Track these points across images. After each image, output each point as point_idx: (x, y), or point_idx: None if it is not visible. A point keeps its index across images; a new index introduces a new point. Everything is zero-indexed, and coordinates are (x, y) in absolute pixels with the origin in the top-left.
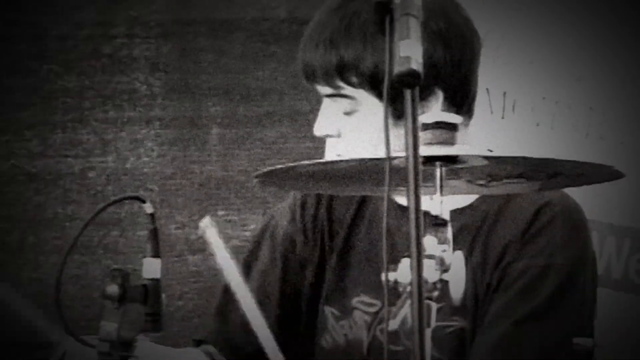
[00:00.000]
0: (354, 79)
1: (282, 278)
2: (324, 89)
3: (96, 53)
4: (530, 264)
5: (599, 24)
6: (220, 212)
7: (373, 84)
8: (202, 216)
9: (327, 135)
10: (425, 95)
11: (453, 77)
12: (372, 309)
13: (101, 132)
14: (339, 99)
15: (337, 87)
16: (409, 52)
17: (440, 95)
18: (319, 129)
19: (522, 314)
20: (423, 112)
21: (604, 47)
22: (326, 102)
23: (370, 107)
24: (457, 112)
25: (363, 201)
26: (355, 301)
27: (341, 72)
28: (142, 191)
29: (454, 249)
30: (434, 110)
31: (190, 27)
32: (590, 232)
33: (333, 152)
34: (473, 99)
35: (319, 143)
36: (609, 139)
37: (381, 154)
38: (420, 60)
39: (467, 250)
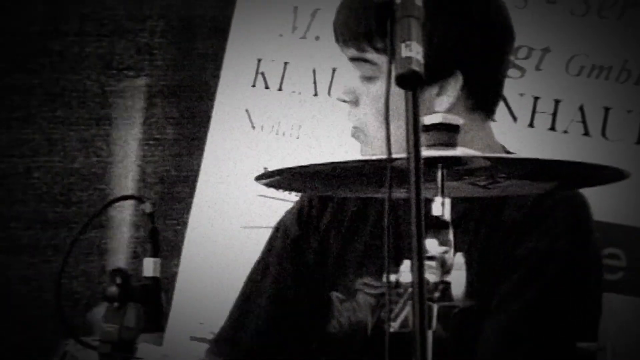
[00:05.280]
0: (379, 44)
1: (293, 279)
2: (350, 51)
3: (46, 50)
4: (535, 247)
5: None
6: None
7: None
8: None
9: (344, 101)
10: (444, 75)
11: (477, 64)
12: (376, 291)
13: (48, 131)
14: (362, 64)
15: (362, 50)
16: (410, 53)
17: (459, 79)
18: (338, 92)
19: (530, 297)
20: (440, 93)
21: None
22: (350, 66)
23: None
24: (476, 105)
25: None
26: (358, 283)
27: (368, 35)
28: (91, 192)
29: (457, 239)
30: (451, 93)
31: (145, 23)
32: (593, 220)
33: (350, 121)
34: (496, 95)
35: None
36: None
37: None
38: (422, 61)
39: (472, 235)
